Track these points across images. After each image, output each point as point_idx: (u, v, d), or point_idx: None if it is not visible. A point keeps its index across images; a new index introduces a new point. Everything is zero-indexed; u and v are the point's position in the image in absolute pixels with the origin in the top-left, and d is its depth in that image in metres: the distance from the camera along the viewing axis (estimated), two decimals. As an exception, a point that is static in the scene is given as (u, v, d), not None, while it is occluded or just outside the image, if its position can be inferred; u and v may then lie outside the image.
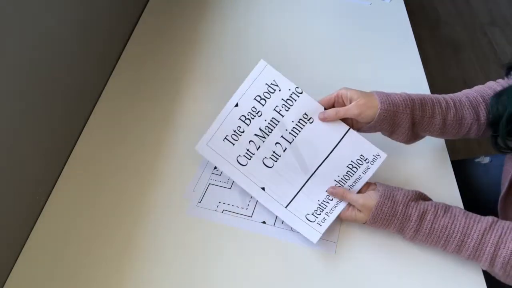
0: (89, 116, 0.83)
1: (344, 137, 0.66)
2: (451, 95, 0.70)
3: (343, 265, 0.64)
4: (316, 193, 0.67)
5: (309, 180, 0.67)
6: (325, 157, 0.67)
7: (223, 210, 0.70)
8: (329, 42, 1.01)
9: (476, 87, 0.73)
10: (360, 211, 0.64)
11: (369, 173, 0.66)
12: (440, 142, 0.80)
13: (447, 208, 0.61)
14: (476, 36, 2.22)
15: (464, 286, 0.62)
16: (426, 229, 0.60)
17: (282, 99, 0.67)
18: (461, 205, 0.70)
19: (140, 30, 1.03)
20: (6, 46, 0.59)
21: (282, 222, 0.68)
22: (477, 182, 0.86)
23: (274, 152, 0.67)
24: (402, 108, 0.64)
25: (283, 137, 0.67)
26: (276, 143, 0.67)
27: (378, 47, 1.00)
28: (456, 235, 0.59)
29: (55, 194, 0.72)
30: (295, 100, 0.66)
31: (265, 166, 0.67)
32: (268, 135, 0.67)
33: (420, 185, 0.73)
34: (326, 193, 0.67)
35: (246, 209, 0.70)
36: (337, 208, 0.66)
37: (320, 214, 0.66)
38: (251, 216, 0.69)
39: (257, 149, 0.67)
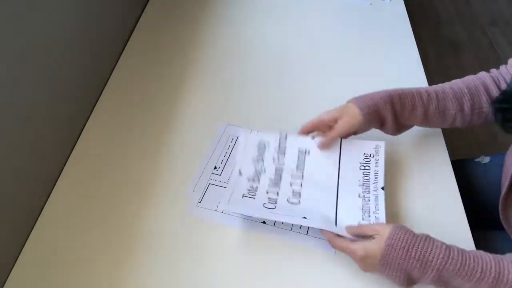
0: (89, 116, 0.83)
1: (341, 148, 0.70)
2: (435, 86, 0.72)
3: (343, 265, 0.64)
4: (352, 204, 0.65)
5: (339, 196, 0.67)
6: (337, 171, 0.69)
7: (223, 210, 0.70)
8: (329, 42, 1.01)
9: (466, 77, 0.74)
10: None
11: (381, 163, 0.68)
12: (440, 142, 0.80)
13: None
14: (476, 36, 2.22)
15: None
16: (457, 257, 0.52)
17: (274, 149, 0.72)
18: (461, 205, 0.70)
19: (140, 31, 1.03)
20: (6, 46, 0.59)
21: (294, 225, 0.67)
22: (477, 182, 0.86)
23: (293, 191, 0.68)
24: (382, 105, 0.67)
25: (294, 177, 0.70)
26: (291, 184, 0.69)
27: (378, 47, 1.00)
28: (492, 267, 0.51)
29: (55, 194, 0.72)
30: (286, 144, 0.72)
31: (293, 205, 0.67)
32: (280, 182, 0.69)
33: (420, 185, 0.73)
34: (360, 198, 0.66)
35: None
36: (379, 199, 0.65)
37: (370, 215, 0.64)
38: (251, 216, 0.69)
39: (277, 195, 0.68)
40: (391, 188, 0.72)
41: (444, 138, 0.80)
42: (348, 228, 0.61)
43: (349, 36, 1.03)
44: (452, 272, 0.51)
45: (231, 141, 0.78)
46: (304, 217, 0.64)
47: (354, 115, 0.67)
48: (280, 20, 1.06)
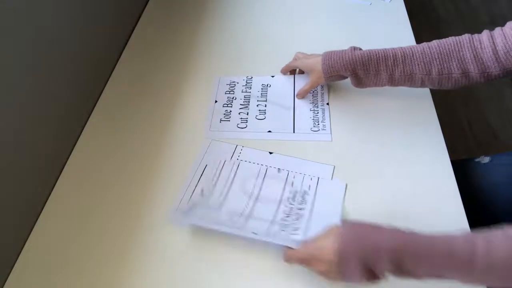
0: (89, 116, 0.83)
1: (295, 81, 0.90)
2: (408, 48, 0.73)
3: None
4: (305, 115, 0.83)
5: (295, 111, 0.84)
6: (293, 96, 0.87)
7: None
8: (329, 42, 1.01)
9: (446, 39, 0.73)
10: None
11: (325, 88, 0.88)
12: (440, 142, 0.80)
13: None
14: (476, 36, 2.21)
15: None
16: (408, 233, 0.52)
17: (242, 85, 0.90)
18: (461, 205, 0.70)
19: (139, 31, 1.03)
20: (6, 45, 0.59)
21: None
22: (477, 182, 0.85)
23: (260, 110, 0.83)
24: (343, 71, 0.75)
25: (259, 100, 0.86)
26: (257, 105, 0.85)
27: (377, 47, 1.00)
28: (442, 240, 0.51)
29: (55, 194, 0.72)
30: (251, 81, 0.90)
31: (260, 120, 0.82)
32: (249, 104, 0.86)
33: (420, 185, 0.73)
34: (311, 111, 0.84)
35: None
36: (325, 111, 0.83)
37: (319, 123, 0.81)
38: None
39: (247, 114, 0.83)
40: (391, 188, 0.72)
41: (444, 138, 0.80)
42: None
43: (349, 36, 1.03)
44: (406, 251, 0.50)
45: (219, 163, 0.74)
46: (269, 131, 0.80)
47: (319, 75, 0.79)
48: (279, 20, 1.06)
